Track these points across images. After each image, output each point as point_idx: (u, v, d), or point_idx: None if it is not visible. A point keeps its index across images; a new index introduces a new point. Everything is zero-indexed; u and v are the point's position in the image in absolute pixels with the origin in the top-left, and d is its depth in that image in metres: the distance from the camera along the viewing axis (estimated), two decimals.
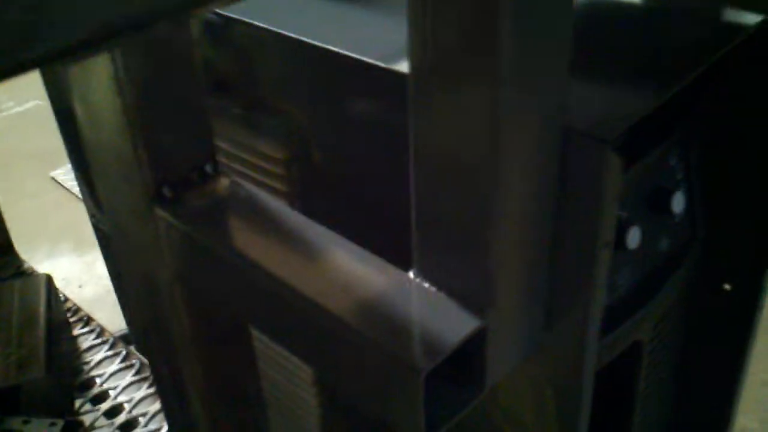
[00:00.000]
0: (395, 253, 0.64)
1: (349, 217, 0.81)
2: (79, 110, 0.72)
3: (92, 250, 2.43)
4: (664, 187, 0.86)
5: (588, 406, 0.73)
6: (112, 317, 1.65)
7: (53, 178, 2.78)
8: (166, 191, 0.71)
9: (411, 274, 0.62)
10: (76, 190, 2.66)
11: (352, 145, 0.78)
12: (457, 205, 0.57)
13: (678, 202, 0.85)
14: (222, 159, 0.79)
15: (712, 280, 0.97)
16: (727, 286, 0.98)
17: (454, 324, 0.58)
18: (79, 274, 2.38)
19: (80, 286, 2.31)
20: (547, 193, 0.59)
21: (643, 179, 0.83)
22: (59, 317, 1.30)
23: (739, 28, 0.73)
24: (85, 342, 1.30)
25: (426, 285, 0.61)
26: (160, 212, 0.71)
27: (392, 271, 0.63)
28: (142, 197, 0.72)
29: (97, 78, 0.67)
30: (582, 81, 0.63)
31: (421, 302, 0.60)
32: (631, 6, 0.77)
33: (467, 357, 0.59)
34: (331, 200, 0.83)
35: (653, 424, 1.02)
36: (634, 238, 0.79)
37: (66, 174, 2.75)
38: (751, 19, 0.74)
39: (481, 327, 0.58)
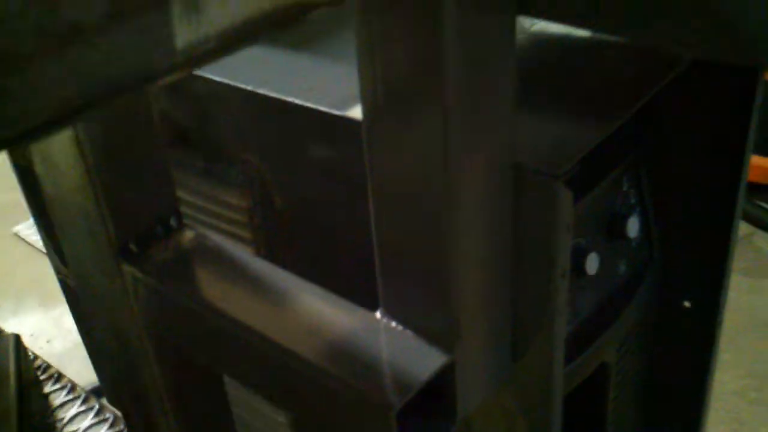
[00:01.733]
0: (361, 294, 0.66)
1: (314, 260, 0.83)
2: (40, 169, 0.73)
3: (59, 304, 2.40)
4: (618, 212, 0.89)
5: (559, 431, 0.75)
6: (82, 371, 1.64)
7: (16, 234, 2.76)
8: (132, 246, 0.72)
9: (377, 314, 0.63)
10: (40, 245, 2.62)
11: (311, 190, 0.80)
12: (416, 245, 0.59)
13: (633, 227, 0.88)
14: (186, 210, 0.80)
15: (672, 299, 1.00)
16: (686, 304, 1.01)
17: (422, 360, 0.59)
18: (47, 329, 2.35)
19: (48, 341, 2.29)
20: (502, 227, 0.61)
21: (598, 206, 0.85)
22: (29, 376, 1.29)
23: (678, 58, 0.76)
24: (57, 399, 1.28)
25: (393, 324, 0.62)
26: (126, 267, 0.72)
27: (359, 312, 0.64)
28: (107, 253, 0.73)
29: (58, 140, 0.68)
30: (529, 117, 0.65)
31: (389, 341, 0.61)
32: (573, 40, 0.80)
33: (438, 391, 0.61)
34: (295, 245, 0.84)
35: None
36: (592, 264, 0.82)
37: (29, 229, 2.72)
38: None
39: (449, 362, 0.59)
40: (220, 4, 0.32)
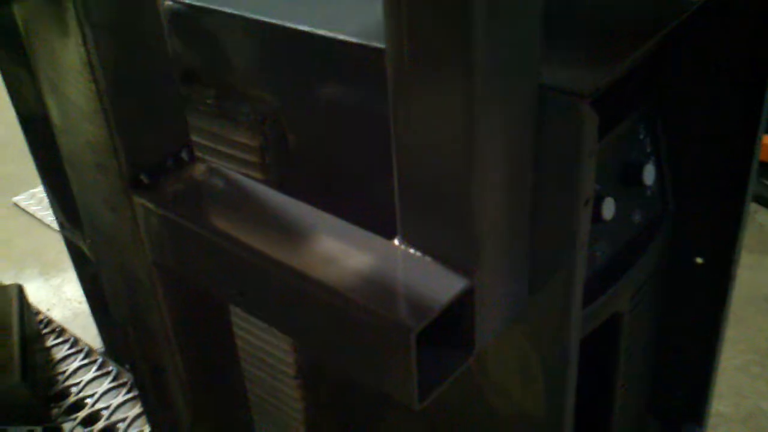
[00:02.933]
0: (377, 231, 0.64)
1: (327, 200, 0.81)
2: (49, 101, 0.72)
3: (59, 273, 2.40)
4: (634, 160, 0.88)
5: (574, 374, 0.74)
6: (82, 339, 1.63)
7: (16, 204, 2.74)
8: (143, 178, 0.71)
9: (396, 242, 0.62)
10: (40, 215, 2.62)
11: (326, 126, 0.78)
12: (438, 171, 0.57)
13: (649, 174, 0.87)
14: (195, 152, 0.78)
15: (684, 255, 0.99)
16: (699, 260, 1.00)
17: (442, 285, 0.58)
18: (47, 297, 2.34)
19: (48, 310, 2.27)
20: (525, 153, 0.60)
21: (613, 153, 0.84)
22: (32, 328, 1.28)
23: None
24: (60, 353, 1.27)
25: (412, 251, 0.61)
26: (137, 199, 0.71)
27: (377, 239, 0.63)
28: (117, 185, 0.71)
29: (69, 65, 0.66)
30: (552, 47, 0.64)
31: (409, 267, 0.60)
32: None
33: (456, 320, 0.60)
34: (308, 184, 0.83)
35: (635, 394, 1.03)
36: (609, 209, 0.81)
37: (28, 199, 2.71)
38: None
39: (468, 287, 0.58)
40: None
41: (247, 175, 0.84)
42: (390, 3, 0.52)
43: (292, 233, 0.65)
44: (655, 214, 0.93)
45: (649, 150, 0.90)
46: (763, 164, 2.56)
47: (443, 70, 0.52)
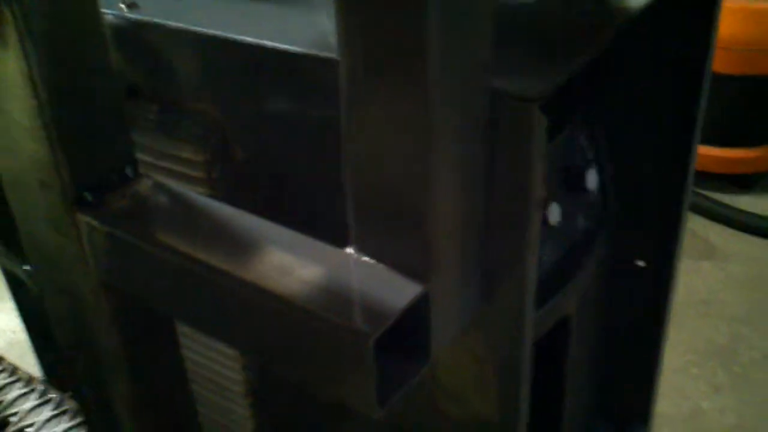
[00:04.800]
0: (327, 242, 0.64)
1: (276, 214, 0.81)
2: None
3: None
4: (577, 165, 0.89)
5: (528, 378, 0.74)
6: (20, 368, 1.58)
7: None
8: (87, 195, 0.69)
9: (349, 251, 0.62)
10: None
11: (274, 139, 0.78)
12: (393, 178, 0.57)
13: (591, 179, 0.89)
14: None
15: (626, 258, 1.01)
16: (640, 263, 1.02)
17: (397, 291, 0.58)
18: None
19: None
20: (478, 157, 0.60)
21: (556, 158, 0.86)
22: None
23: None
24: None
25: (365, 259, 0.61)
26: (81, 217, 0.69)
27: (330, 249, 0.62)
28: (61, 204, 0.69)
29: (9, 79, 0.65)
30: (502, 53, 0.65)
31: (363, 275, 0.60)
32: None
33: (411, 327, 0.60)
34: (256, 199, 0.82)
35: (584, 396, 1.05)
36: (554, 213, 0.82)
37: None
38: None
39: (423, 292, 0.58)
40: None
41: (194, 191, 0.83)
42: (343, 12, 0.52)
43: (243, 246, 0.65)
44: (598, 219, 0.95)
45: (590, 156, 0.92)
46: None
47: (397, 77, 0.52)
